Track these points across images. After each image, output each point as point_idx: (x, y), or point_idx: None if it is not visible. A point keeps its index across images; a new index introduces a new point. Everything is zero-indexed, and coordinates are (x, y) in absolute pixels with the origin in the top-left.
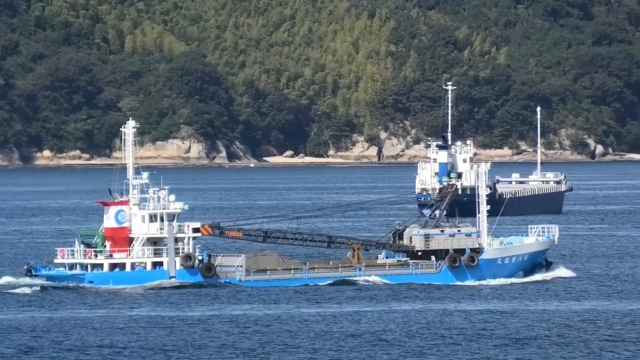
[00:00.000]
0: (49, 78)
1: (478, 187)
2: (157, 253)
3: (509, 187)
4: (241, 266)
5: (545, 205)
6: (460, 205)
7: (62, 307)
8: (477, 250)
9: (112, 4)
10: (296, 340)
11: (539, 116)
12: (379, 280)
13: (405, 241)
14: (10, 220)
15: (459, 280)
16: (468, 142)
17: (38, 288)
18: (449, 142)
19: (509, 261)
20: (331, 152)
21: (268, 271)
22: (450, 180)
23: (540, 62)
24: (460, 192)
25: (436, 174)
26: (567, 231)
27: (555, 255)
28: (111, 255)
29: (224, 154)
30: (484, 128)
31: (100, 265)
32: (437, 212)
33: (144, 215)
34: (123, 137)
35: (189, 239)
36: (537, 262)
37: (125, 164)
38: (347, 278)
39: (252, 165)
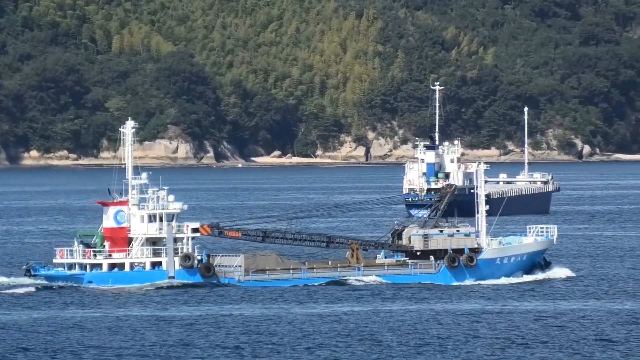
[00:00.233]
0: (36, 78)
1: (477, 187)
2: (156, 253)
3: (496, 187)
4: (240, 266)
5: (532, 206)
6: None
7: (55, 307)
8: (476, 250)
9: (100, 4)
10: (295, 339)
11: (526, 116)
12: (377, 280)
13: (404, 241)
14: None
15: (457, 280)
16: (455, 142)
17: (31, 289)
18: (437, 143)
19: (508, 261)
20: (319, 152)
21: (267, 271)
22: (439, 181)
23: (528, 62)
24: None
25: (424, 174)
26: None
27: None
28: (110, 255)
29: (211, 154)
30: (472, 128)
31: (99, 265)
32: (436, 212)
33: (143, 215)
34: (122, 137)
35: (188, 239)
36: (536, 262)
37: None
38: (346, 278)
39: (239, 165)
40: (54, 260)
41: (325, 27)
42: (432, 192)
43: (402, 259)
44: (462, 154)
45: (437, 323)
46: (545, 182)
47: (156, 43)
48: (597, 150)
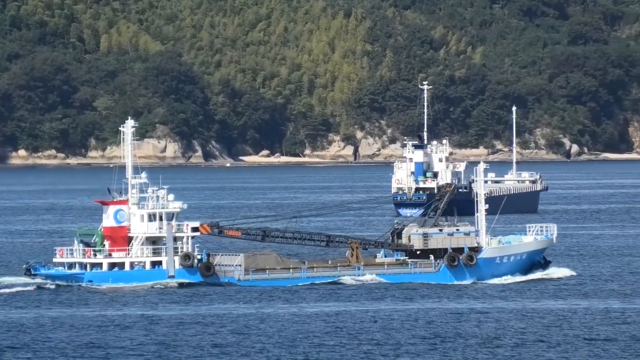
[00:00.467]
0: (24, 77)
1: (477, 186)
2: (156, 252)
3: (484, 186)
4: (240, 265)
5: (520, 205)
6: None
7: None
8: (476, 249)
9: (88, 4)
10: (294, 338)
11: (514, 115)
12: (377, 279)
13: (404, 240)
14: None
15: (457, 279)
16: (444, 141)
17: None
18: (425, 142)
19: (508, 260)
20: (307, 151)
21: (267, 270)
22: (427, 180)
23: (516, 61)
24: (436, 191)
25: (412, 173)
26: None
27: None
28: (110, 255)
29: (199, 153)
30: (460, 127)
31: (99, 265)
32: (437, 211)
33: (143, 214)
34: (122, 136)
35: (188, 238)
36: (536, 260)
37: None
38: (346, 277)
39: (228, 164)
40: (54, 260)
41: (314, 26)
42: (421, 192)
43: (402, 258)
44: (451, 153)
45: (438, 322)
46: (534, 182)
47: (144, 42)
48: (585, 149)
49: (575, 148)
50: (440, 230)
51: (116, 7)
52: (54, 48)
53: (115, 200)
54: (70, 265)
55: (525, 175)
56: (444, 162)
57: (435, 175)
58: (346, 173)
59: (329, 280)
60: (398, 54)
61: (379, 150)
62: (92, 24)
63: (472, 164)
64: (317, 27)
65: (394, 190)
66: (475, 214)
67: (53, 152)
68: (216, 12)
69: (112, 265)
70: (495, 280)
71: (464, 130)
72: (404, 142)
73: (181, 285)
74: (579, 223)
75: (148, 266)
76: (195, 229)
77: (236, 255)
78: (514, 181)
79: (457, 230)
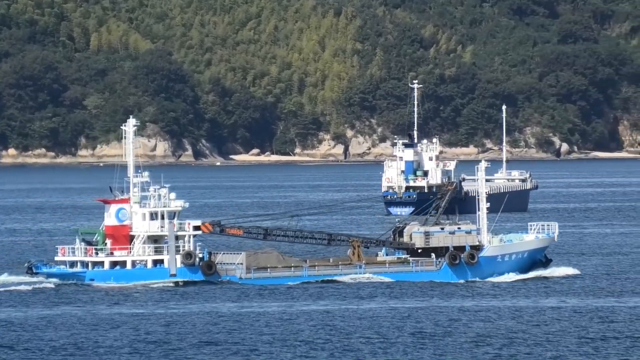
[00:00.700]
0: (14, 76)
1: (479, 185)
2: (157, 251)
3: (474, 185)
4: (242, 264)
5: (510, 203)
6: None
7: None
8: (477, 248)
9: (78, 2)
10: (293, 338)
11: (504, 114)
12: (378, 277)
13: (406, 238)
14: None
15: (459, 277)
16: (434, 140)
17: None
18: (415, 140)
19: (509, 258)
20: (297, 150)
21: (268, 269)
22: (417, 179)
23: (506, 60)
24: (426, 190)
25: (402, 172)
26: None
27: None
28: (112, 253)
29: (190, 152)
30: (450, 126)
31: (101, 263)
32: (439, 209)
33: (144, 213)
34: (124, 135)
35: (189, 237)
36: (537, 259)
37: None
38: (347, 275)
39: (218, 163)
40: (56, 258)
41: (304, 25)
42: (411, 190)
43: (404, 256)
44: (441, 152)
45: (438, 322)
46: (524, 180)
47: (134, 41)
48: (575, 148)
49: (565, 147)
50: (442, 228)
51: (106, 6)
52: (44, 47)
53: (117, 198)
54: (72, 264)
55: (515, 174)
56: (434, 160)
57: (425, 174)
58: (336, 172)
59: (331, 279)
60: (388, 52)
61: (369, 149)
62: (82, 22)
63: (462, 163)
64: (307, 25)
65: (384, 189)
66: (477, 212)
67: (43, 150)
68: (206, 10)
69: (113, 264)
70: (497, 279)
71: (454, 129)
72: (394, 141)
73: (176, 283)
74: (569, 222)
75: (150, 265)
76: (197, 228)
77: (238, 253)
78: (504, 180)
79: (459, 228)
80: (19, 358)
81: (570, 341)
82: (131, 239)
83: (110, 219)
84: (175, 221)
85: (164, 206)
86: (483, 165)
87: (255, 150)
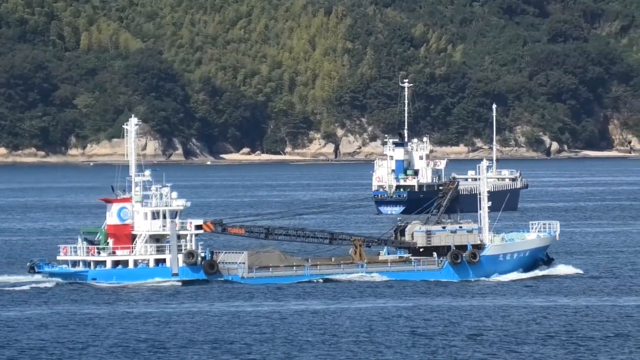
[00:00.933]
0: (4, 75)
1: (480, 183)
2: (159, 250)
3: (465, 184)
4: (244, 263)
5: (500, 202)
6: (418, 201)
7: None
8: (479, 247)
9: (68, 1)
10: (292, 338)
11: (494, 113)
12: (380, 277)
13: (407, 237)
14: None
15: (460, 276)
16: (424, 139)
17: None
18: (406, 139)
19: (511, 257)
20: (288, 149)
21: (270, 268)
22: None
23: (496, 59)
24: (416, 189)
25: (393, 171)
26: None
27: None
28: (114, 253)
29: (180, 151)
30: (440, 125)
31: (103, 263)
32: (440, 208)
33: (146, 212)
34: (126, 134)
35: (191, 236)
36: (539, 258)
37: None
38: (349, 274)
39: (208, 162)
40: (58, 258)
41: (294, 24)
42: (401, 189)
43: (405, 255)
44: (431, 151)
45: (439, 321)
46: (514, 179)
47: (124, 40)
48: (565, 147)
49: (555, 146)
50: (444, 227)
51: (96, 5)
52: (34, 46)
53: (118, 198)
54: (74, 263)
55: (506, 172)
56: (424, 159)
57: (415, 172)
58: (327, 171)
59: (332, 278)
60: (379, 51)
61: (360, 148)
62: (72, 21)
63: (452, 162)
64: (298, 24)
65: (374, 188)
66: (479, 211)
67: (33, 150)
68: (196, 9)
69: (115, 263)
70: (498, 278)
71: (444, 128)
72: (385, 140)
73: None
74: (560, 220)
75: (152, 264)
76: (198, 227)
77: (240, 253)
78: (494, 179)
79: (460, 227)
80: (19, 358)
81: (570, 341)
82: (133, 238)
83: (112, 218)
84: (177, 220)
85: (166, 205)
86: (484, 164)
87: (246, 150)
